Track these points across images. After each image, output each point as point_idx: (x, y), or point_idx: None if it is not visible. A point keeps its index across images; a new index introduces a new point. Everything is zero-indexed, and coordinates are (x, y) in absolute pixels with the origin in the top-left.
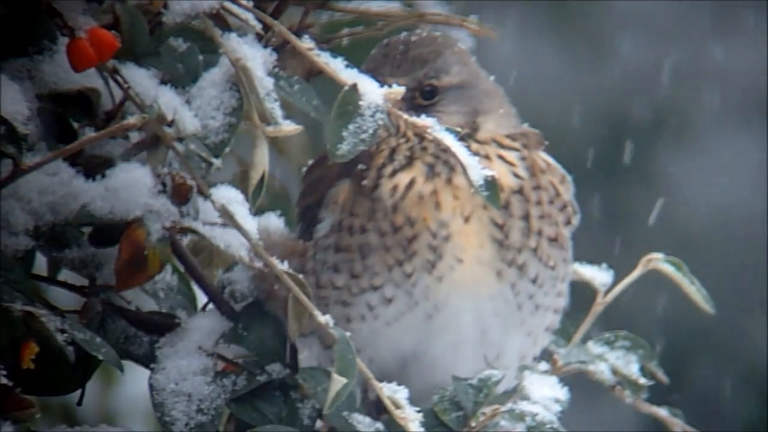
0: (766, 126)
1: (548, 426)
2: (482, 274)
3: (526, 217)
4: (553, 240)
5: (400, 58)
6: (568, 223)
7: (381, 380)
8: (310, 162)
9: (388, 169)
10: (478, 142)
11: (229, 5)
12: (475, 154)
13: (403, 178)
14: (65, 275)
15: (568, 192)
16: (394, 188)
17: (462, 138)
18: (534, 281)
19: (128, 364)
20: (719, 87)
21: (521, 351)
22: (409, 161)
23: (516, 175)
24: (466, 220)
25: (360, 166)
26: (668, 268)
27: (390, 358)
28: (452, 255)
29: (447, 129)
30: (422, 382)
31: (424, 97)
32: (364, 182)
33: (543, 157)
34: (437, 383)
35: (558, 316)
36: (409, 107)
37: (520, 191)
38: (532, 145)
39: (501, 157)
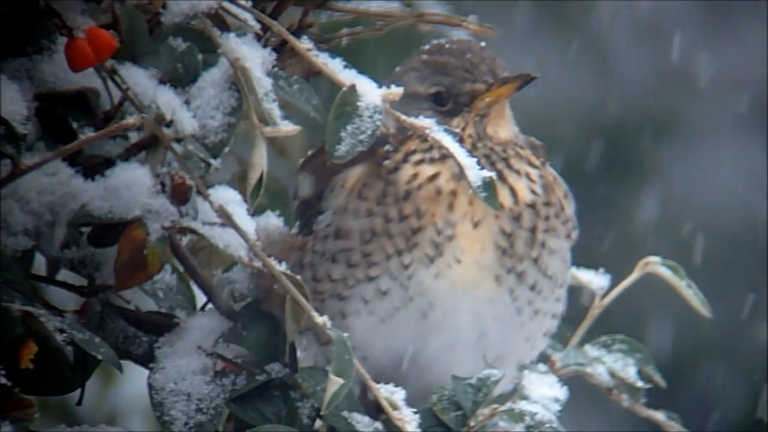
0: (766, 127)
1: (547, 425)
2: (480, 277)
3: (532, 230)
4: (554, 252)
5: (499, 63)
6: (568, 237)
7: (378, 380)
8: (310, 152)
9: (416, 157)
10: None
11: (227, 5)
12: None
13: (427, 170)
14: (64, 275)
15: (570, 207)
16: (414, 176)
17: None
18: (532, 288)
19: (127, 364)
20: (719, 88)
21: (519, 355)
22: (443, 158)
23: (533, 191)
24: (476, 225)
25: (386, 147)
26: (665, 272)
27: (384, 356)
28: (452, 254)
29: (446, 130)
30: (419, 382)
31: None
32: (386, 162)
33: (551, 172)
34: (434, 384)
35: (556, 321)
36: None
37: (532, 205)
38: (541, 158)
39: (527, 175)
